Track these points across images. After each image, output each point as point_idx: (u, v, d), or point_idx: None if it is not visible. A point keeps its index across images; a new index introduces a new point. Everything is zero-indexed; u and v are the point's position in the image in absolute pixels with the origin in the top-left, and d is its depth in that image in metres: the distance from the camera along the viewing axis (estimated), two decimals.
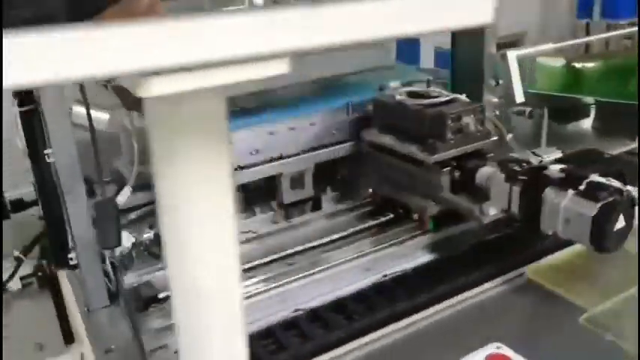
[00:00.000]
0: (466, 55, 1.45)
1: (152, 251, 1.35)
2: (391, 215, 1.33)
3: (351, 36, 0.47)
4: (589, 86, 1.99)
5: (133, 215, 1.41)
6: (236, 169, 1.31)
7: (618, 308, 1.04)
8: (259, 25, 0.42)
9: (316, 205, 1.46)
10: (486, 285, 1.13)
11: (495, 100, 1.45)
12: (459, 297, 1.10)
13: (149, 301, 1.09)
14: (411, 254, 1.22)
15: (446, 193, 1.23)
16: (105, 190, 1.08)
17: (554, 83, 2.03)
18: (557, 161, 1.23)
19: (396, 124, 1.35)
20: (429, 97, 1.31)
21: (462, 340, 0.94)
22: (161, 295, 1.10)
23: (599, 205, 0.98)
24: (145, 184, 1.46)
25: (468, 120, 1.22)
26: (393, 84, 1.43)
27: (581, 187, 1.02)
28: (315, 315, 1.05)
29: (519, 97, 1.42)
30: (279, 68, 0.44)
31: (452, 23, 0.52)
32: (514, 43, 2.10)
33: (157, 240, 1.35)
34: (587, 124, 2.02)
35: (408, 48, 2.18)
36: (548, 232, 1.06)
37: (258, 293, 1.09)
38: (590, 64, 2.01)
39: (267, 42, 0.42)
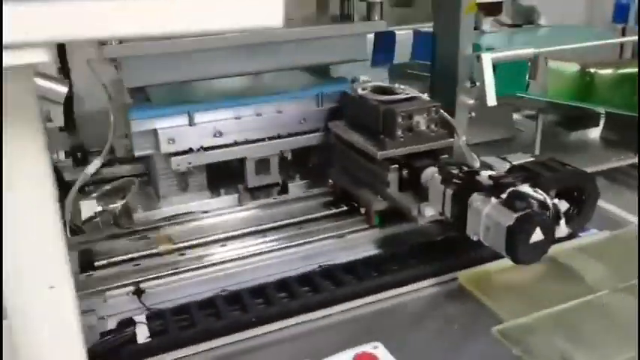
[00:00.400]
0: (445, 56, 1.42)
1: (118, 221, 1.42)
2: (344, 207, 1.34)
3: (123, 31, 0.49)
4: (600, 95, 1.90)
5: (108, 186, 1.49)
6: (198, 150, 1.36)
7: (534, 324, 1.01)
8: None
9: (284, 191, 1.48)
10: (414, 286, 1.13)
11: (471, 101, 1.41)
12: (383, 294, 1.10)
13: (84, 266, 1.15)
14: (350, 248, 1.22)
15: (393, 190, 1.23)
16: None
17: (566, 89, 1.95)
18: (513, 169, 1.20)
19: (357, 118, 1.35)
20: (392, 93, 1.31)
21: (353, 337, 0.95)
22: (97, 263, 1.16)
23: (515, 215, 0.96)
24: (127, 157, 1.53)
25: (420, 119, 1.21)
26: (363, 77, 1.43)
27: (503, 196, 1.00)
28: (233, 298, 1.08)
29: (491, 101, 1.38)
30: (37, 57, 0.47)
31: (240, 24, 0.54)
32: None
33: (125, 211, 1.42)
34: (595, 133, 1.94)
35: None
36: (473, 237, 1.05)
37: (186, 271, 1.13)
38: (604, 71, 1.92)
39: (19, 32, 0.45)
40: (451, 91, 1.41)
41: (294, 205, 1.36)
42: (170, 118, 1.33)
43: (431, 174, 1.15)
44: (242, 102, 1.38)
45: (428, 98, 1.27)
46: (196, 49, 1.31)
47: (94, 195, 1.46)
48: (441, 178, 1.12)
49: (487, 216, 1.00)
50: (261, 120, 1.40)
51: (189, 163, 1.36)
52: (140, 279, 1.10)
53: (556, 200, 1.01)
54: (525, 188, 1.01)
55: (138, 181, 1.47)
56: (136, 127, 1.32)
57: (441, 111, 1.25)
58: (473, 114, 1.45)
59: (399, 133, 1.20)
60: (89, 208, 1.40)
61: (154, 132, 1.32)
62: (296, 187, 1.48)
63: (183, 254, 1.17)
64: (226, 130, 1.37)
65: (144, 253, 1.17)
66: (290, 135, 1.43)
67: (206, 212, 1.33)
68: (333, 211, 1.33)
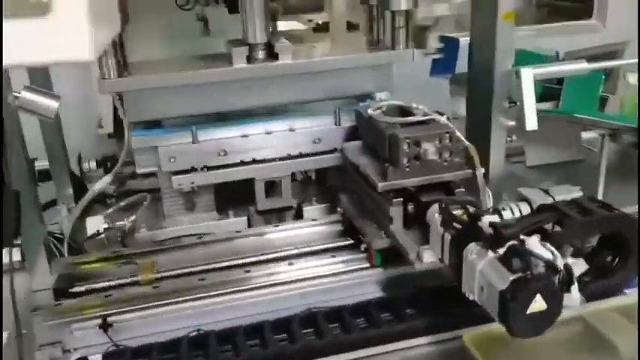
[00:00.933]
0: (480, 70, 1.23)
1: (125, 239, 1.36)
2: (349, 241, 1.19)
3: None
4: None
5: (123, 202, 1.44)
6: (202, 169, 1.27)
7: None
8: None
9: (299, 215, 1.37)
10: (407, 342, 0.97)
11: (510, 123, 1.21)
12: (368, 350, 0.96)
13: (58, 293, 1.09)
14: (343, 289, 1.08)
15: (396, 226, 1.07)
16: (10, 181, 1.07)
17: None
18: (541, 209, 1.01)
19: (369, 141, 1.21)
20: (410, 114, 1.15)
21: None
22: (72, 290, 1.10)
23: (511, 277, 0.78)
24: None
25: (428, 146, 1.05)
26: (380, 96, 1.28)
27: (502, 251, 0.82)
28: (200, 341, 0.98)
29: (531, 124, 1.17)
30: None
31: (50, 58, 0.46)
32: (611, 54, 1.75)
33: (132, 229, 1.36)
34: None
35: None
36: (468, 295, 0.88)
37: (157, 306, 1.04)
38: None
39: None
40: (487, 111, 1.22)
41: (296, 234, 1.24)
42: (172, 136, 1.26)
43: (434, 213, 0.99)
44: (250, 120, 1.28)
45: (446, 122, 1.10)
46: (200, 83, 1.24)
47: (109, 210, 1.42)
48: (441, 219, 0.95)
49: (481, 273, 0.83)
50: (270, 139, 1.29)
51: (192, 183, 1.28)
52: (109, 312, 1.03)
53: (570, 259, 0.81)
54: (532, 242, 0.82)
55: (150, 197, 1.41)
56: (137, 144, 1.26)
57: (459, 136, 1.08)
58: (514, 137, 1.25)
59: (405, 161, 1.04)
60: (95, 225, 1.36)
61: (156, 149, 1.25)
62: (312, 212, 1.36)
63: (157, 287, 1.08)
64: (231, 149, 1.27)
65: (121, 281, 1.10)
66: (302, 155, 1.31)
67: (200, 237, 1.24)
68: (333, 245, 1.18)
